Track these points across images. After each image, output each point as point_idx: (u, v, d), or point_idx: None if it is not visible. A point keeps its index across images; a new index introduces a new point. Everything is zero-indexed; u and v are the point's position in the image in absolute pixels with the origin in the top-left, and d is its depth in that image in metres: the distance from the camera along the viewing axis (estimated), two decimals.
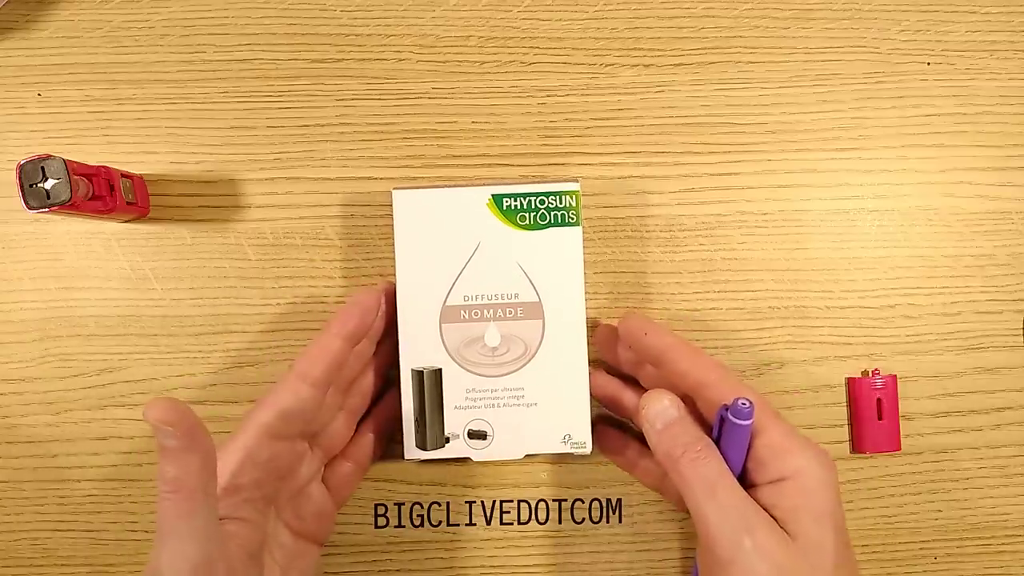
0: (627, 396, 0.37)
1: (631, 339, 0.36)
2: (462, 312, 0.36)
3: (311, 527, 0.36)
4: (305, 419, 0.33)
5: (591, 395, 0.37)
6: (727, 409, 0.31)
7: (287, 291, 0.39)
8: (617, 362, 0.38)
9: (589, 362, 0.36)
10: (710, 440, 0.32)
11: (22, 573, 0.39)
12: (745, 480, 0.32)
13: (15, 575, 0.39)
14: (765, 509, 0.31)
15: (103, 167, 0.36)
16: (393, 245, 0.36)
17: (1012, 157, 0.40)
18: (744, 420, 0.31)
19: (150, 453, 0.39)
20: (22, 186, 0.33)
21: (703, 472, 0.31)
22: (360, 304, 0.34)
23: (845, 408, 0.40)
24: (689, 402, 0.34)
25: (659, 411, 0.33)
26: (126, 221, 0.39)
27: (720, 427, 0.32)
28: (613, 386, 0.38)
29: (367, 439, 0.38)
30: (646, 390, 0.35)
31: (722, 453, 0.32)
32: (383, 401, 0.38)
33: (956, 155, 0.40)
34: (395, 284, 0.36)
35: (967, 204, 0.40)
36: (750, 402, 0.31)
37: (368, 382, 0.37)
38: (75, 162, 0.34)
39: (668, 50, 0.40)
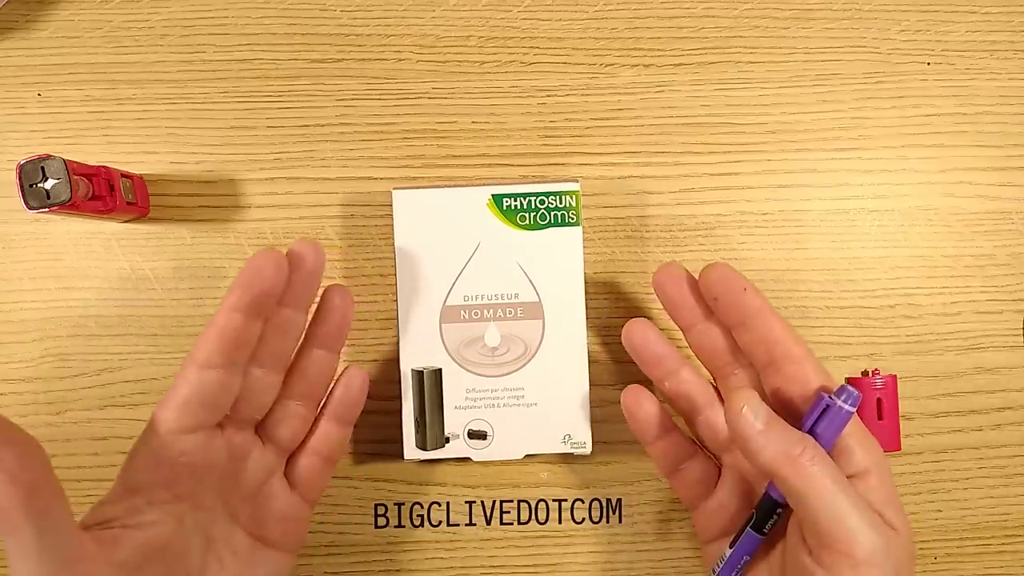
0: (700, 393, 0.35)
1: (724, 291, 0.32)
2: (462, 312, 0.36)
3: (275, 532, 0.33)
4: (210, 406, 0.30)
5: (675, 396, 0.35)
6: (832, 395, 0.30)
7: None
8: (675, 305, 0.34)
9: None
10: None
11: None
12: None
13: None
14: None
15: (103, 167, 0.36)
16: (393, 245, 0.36)
17: (1012, 157, 0.40)
18: (853, 407, 0.29)
19: None
20: (22, 186, 0.33)
21: (829, 470, 0.29)
22: (251, 270, 0.30)
23: None
24: (751, 375, 0.33)
25: (758, 408, 0.30)
26: (126, 221, 0.39)
27: (821, 413, 0.30)
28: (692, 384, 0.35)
29: (328, 428, 0.34)
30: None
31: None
32: (339, 383, 0.35)
33: (956, 155, 0.40)
34: (312, 248, 0.32)
35: (967, 204, 0.40)
36: (856, 390, 0.30)
37: (315, 363, 0.34)
38: (75, 162, 0.34)
39: (668, 50, 0.40)
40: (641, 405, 0.35)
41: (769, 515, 0.31)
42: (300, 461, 0.34)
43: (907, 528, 0.30)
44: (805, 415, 0.31)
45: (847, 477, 0.29)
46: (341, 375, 0.35)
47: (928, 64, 0.40)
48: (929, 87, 0.40)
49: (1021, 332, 0.40)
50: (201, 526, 0.31)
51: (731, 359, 0.34)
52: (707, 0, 0.40)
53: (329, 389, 0.35)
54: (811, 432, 0.30)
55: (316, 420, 0.35)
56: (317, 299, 0.34)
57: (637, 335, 0.35)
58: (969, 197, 0.40)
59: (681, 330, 0.35)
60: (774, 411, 0.30)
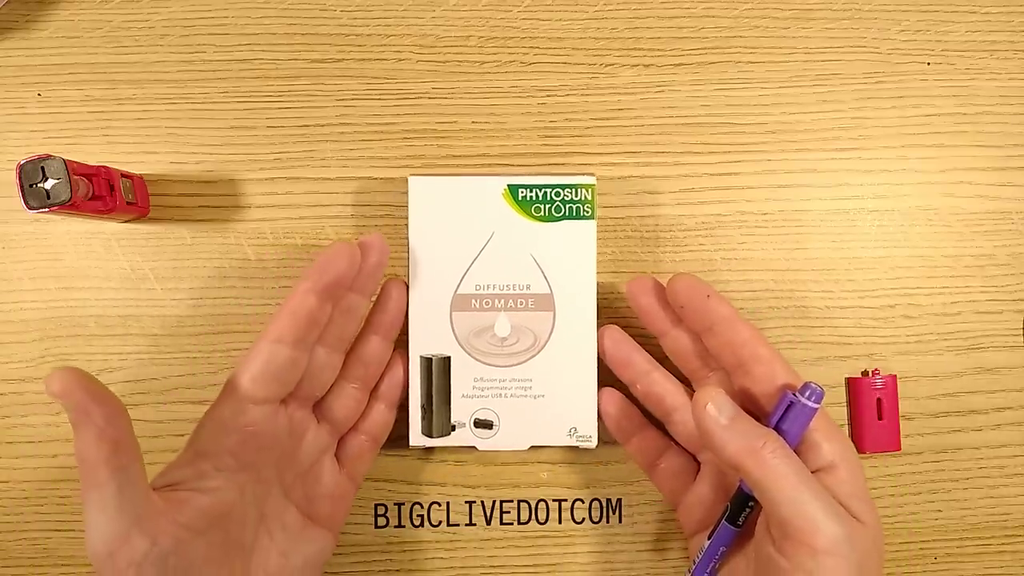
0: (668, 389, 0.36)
1: (688, 299, 0.34)
2: (473, 301, 0.36)
3: (324, 509, 0.35)
4: (280, 380, 0.32)
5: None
6: (796, 392, 0.31)
7: (287, 291, 0.39)
8: (646, 314, 0.36)
9: (598, 357, 0.37)
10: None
11: (22, 573, 0.39)
12: None
13: (15, 575, 0.39)
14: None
15: (103, 167, 0.36)
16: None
17: (1012, 157, 0.40)
18: (817, 404, 0.31)
19: (150, 453, 0.39)
20: (22, 186, 0.33)
21: (791, 463, 0.30)
22: (328, 256, 0.32)
23: (845, 408, 0.40)
24: (723, 377, 0.34)
25: (722, 404, 0.31)
26: (126, 221, 0.39)
27: (786, 410, 0.31)
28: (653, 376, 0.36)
29: (378, 410, 0.37)
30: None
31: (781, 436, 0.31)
32: (389, 370, 0.37)
33: (956, 155, 0.40)
34: (377, 242, 0.34)
35: (967, 204, 0.40)
36: (820, 386, 0.31)
37: (372, 349, 0.36)
38: (75, 162, 0.34)
39: (668, 50, 0.40)
40: (615, 405, 0.37)
41: (742, 507, 0.33)
42: (350, 441, 0.36)
43: (875, 521, 0.30)
44: (771, 412, 0.32)
45: (815, 471, 0.31)
46: (390, 360, 0.37)
47: (928, 64, 0.40)
48: (929, 87, 0.40)
49: (1021, 332, 0.40)
50: (258, 499, 0.33)
51: (703, 363, 0.36)
52: (707, 0, 0.40)
53: (380, 370, 0.36)
54: (777, 428, 0.31)
55: (368, 403, 0.36)
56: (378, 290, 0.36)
57: (608, 340, 0.36)
58: (969, 197, 0.40)
59: (656, 337, 0.36)
60: (744, 411, 0.31)
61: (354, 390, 0.36)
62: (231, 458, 0.31)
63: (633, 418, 0.37)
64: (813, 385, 0.31)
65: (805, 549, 0.29)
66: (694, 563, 0.34)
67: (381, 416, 0.37)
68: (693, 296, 0.34)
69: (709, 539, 0.34)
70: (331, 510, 0.35)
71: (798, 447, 0.31)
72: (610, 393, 0.37)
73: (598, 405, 0.37)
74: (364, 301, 0.35)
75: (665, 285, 0.35)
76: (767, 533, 0.31)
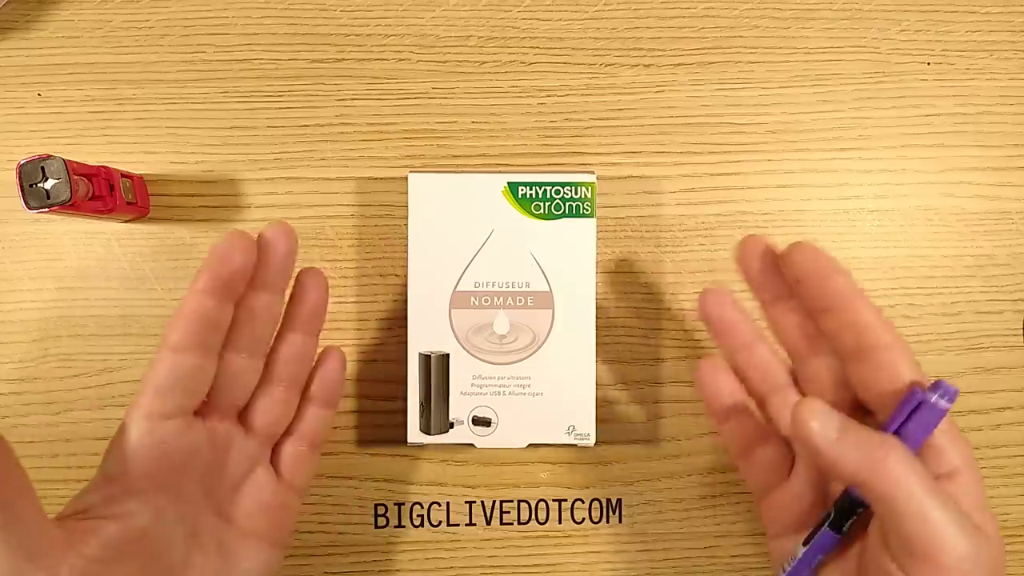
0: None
1: (811, 273, 0.30)
2: (472, 298, 0.36)
3: (262, 523, 0.32)
4: (187, 391, 0.29)
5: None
6: (926, 391, 0.27)
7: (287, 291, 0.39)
8: (756, 281, 0.32)
9: (598, 354, 0.37)
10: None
11: None
12: None
13: None
14: None
15: (103, 167, 0.36)
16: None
17: (1012, 157, 0.40)
18: (950, 404, 0.27)
19: None
20: (22, 186, 0.33)
21: (917, 473, 0.26)
22: (219, 252, 0.29)
23: None
24: (833, 363, 0.31)
25: (826, 417, 0.27)
26: (126, 221, 0.39)
27: (913, 410, 0.28)
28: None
29: (311, 412, 0.34)
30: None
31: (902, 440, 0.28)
32: (320, 367, 0.34)
33: (956, 155, 0.40)
34: (285, 228, 0.31)
35: (967, 204, 0.40)
36: (953, 385, 0.27)
37: (293, 347, 0.33)
38: (75, 162, 0.34)
39: (668, 50, 0.40)
40: (716, 377, 0.33)
41: (849, 514, 0.30)
42: (285, 448, 0.34)
43: (998, 533, 0.28)
44: (894, 412, 0.28)
45: (936, 478, 0.27)
46: (319, 357, 0.34)
47: (928, 64, 0.40)
48: (929, 87, 0.40)
49: (1021, 332, 0.40)
50: (184, 518, 0.30)
51: (810, 344, 0.31)
52: (707, 0, 0.40)
53: (308, 369, 0.34)
54: (900, 430, 0.28)
55: (300, 405, 0.34)
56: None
57: (712, 303, 0.32)
58: (969, 197, 0.40)
59: (760, 306, 0.32)
60: (859, 402, 0.29)
61: (280, 393, 0.33)
62: (144, 480, 0.29)
63: (735, 395, 0.33)
64: (945, 384, 0.27)
65: (930, 567, 0.26)
66: (783, 570, 0.31)
67: (315, 418, 0.34)
68: (815, 271, 0.29)
69: (805, 544, 0.30)
70: (271, 522, 0.33)
71: (919, 451, 0.28)
72: (712, 364, 0.33)
73: (696, 376, 0.33)
74: (275, 297, 0.32)
75: (781, 253, 0.31)
76: (883, 545, 0.28)
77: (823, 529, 0.30)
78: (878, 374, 0.29)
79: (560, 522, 0.40)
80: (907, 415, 0.28)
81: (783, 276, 0.31)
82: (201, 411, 0.31)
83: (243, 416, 0.33)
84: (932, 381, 0.28)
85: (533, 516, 0.40)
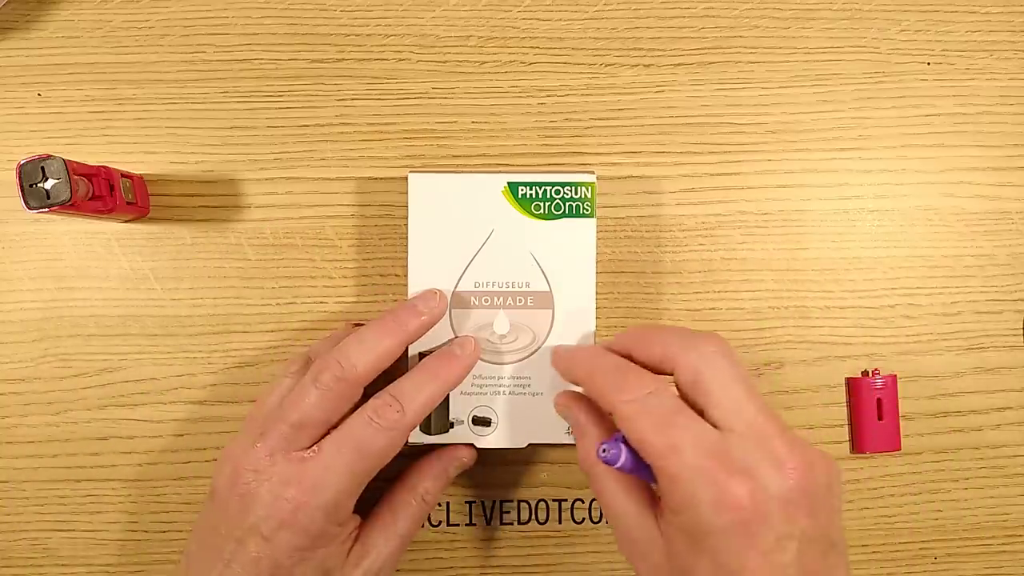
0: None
1: (562, 372, 0.34)
2: (472, 299, 0.36)
3: None
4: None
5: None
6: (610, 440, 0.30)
7: (287, 291, 0.39)
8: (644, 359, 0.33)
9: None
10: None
11: (22, 573, 0.39)
12: None
13: (15, 575, 0.39)
14: None
15: (103, 167, 0.36)
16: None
17: (1012, 157, 0.40)
18: (610, 462, 0.29)
19: (150, 453, 0.39)
20: (22, 186, 0.33)
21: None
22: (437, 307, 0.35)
23: (845, 408, 0.40)
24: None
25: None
26: (126, 221, 0.39)
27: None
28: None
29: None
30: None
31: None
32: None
33: (956, 155, 0.40)
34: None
35: (967, 204, 0.40)
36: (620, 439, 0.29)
37: None
38: (75, 162, 0.34)
39: (668, 50, 0.40)
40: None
41: None
42: None
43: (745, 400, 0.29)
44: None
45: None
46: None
47: (928, 64, 0.40)
48: (929, 87, 0.40)
49: (1021, 332, 0.40)
50: None
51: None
52: (707, 0, 0.40)
53: None
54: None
55: None
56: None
57: (561, 405, 0.35)
58: (969, 197, 0.40)
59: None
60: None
61: None
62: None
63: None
64: (616, 443, 0.29)
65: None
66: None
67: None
68: (560, 369, 0.34)
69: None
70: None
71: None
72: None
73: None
74: None
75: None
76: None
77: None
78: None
79: (560, 522, 0.40)
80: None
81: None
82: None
83: None
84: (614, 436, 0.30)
85: (533, 516, 0.40)
